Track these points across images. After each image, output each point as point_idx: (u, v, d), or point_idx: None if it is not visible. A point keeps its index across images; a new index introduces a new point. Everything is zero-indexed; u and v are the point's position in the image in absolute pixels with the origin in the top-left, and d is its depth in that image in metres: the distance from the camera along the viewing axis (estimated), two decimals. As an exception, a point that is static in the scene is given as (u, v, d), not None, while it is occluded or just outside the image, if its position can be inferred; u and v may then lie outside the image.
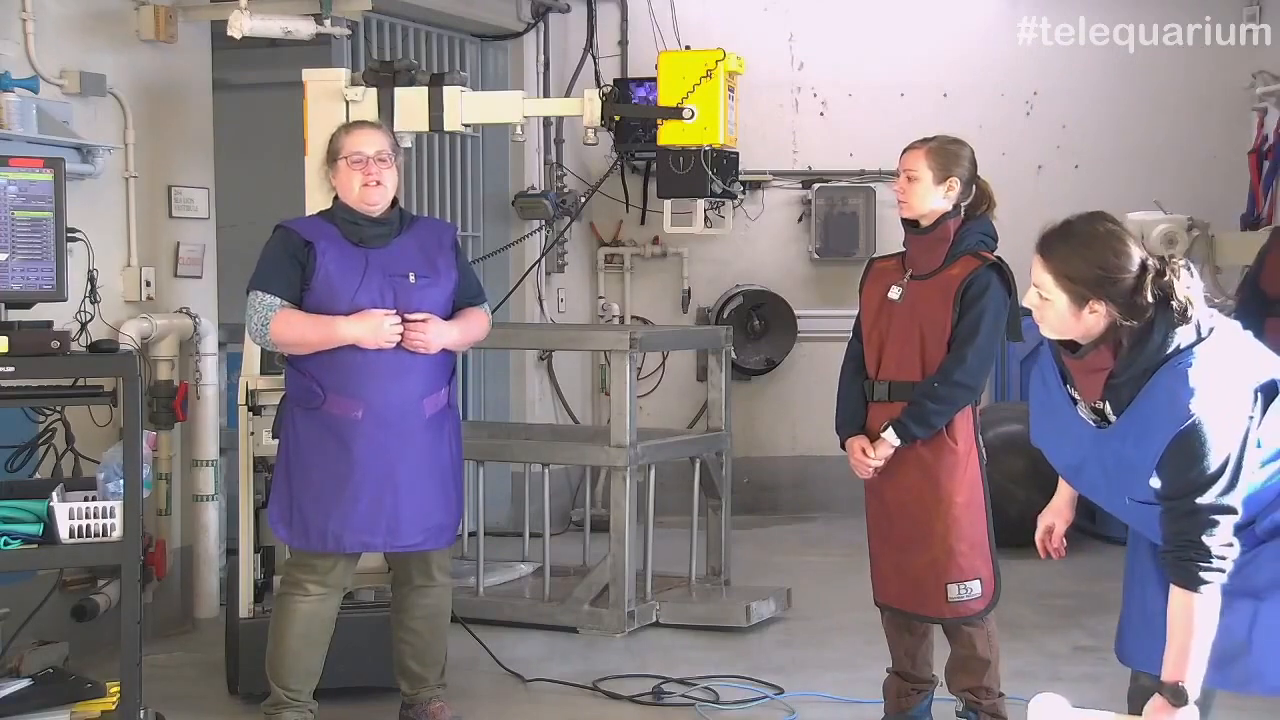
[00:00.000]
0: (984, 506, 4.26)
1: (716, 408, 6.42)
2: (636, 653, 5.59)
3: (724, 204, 5.81)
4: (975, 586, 4.22)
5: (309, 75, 5.18)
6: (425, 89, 5.15)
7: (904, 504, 4.27)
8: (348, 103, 5.09)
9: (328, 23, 5.61)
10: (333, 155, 4.45)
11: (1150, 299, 2.97)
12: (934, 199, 4.25)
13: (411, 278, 4.36)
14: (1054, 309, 3.05)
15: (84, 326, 4.28)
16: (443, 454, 4.45)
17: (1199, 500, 2.94)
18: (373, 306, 4.29)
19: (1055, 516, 3.58)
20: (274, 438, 4.56)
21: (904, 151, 4.32)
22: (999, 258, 4.26)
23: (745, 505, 7.98)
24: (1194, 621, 2.95)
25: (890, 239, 6.37)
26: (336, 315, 4.27)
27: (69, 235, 4.02)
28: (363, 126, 4.57)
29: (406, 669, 4.60)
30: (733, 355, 6.61)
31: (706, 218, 5.62)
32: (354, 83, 5.15)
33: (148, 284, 5.72)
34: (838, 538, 7.52)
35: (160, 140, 5.86)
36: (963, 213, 4.30)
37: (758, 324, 8.38)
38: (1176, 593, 2.97)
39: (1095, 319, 3.01)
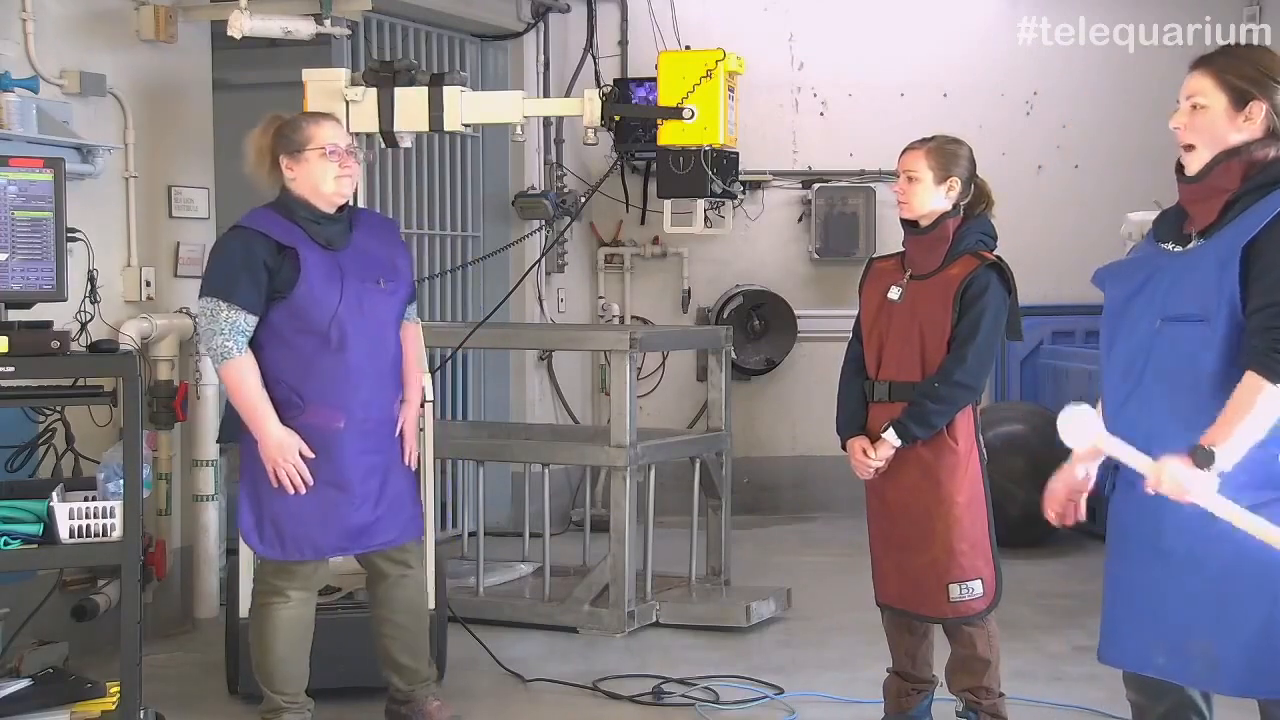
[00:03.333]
0: (985, 506, 4.26)
1: (716, 408, 6.41)
2: (636, 653, 5.59)
3: (724, 204, 5.80)
4: (977, 586, 4.22)
5: (309, 75, 5.17)
6: (425, 89, 5.13)
7: (905, 504, 4.27)
8: (348, 103, 5.08)
9: (328, 23, 5.62)
10: (297, 146, 4.25)
11: None
12: (934, 199, 4.25)
13: (380, 283, 4.31)
14: (1208, 116, 3.07)
15: (84, 326, 4.28)
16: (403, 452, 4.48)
17: None
18: (349, 320, 4.19)
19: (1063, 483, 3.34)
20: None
21: (903, 152, 4.31)
22: (998, 257, 4.26)
23: (745, 505, 7.99)
24: (1256, 404, 2.91)
25: (890, 239, 6.36)
26: (307, 335, 4.16)
27: (69, 235, 4.01)
28: (329, 118, 4.43)
29: (398, 663, 4.56)
30: (733, 355, 6.60)
31: (706, 218, 5.61)
32: (354, 83, 5.14)
33: (148, 284, 5.72)
34: (838, 538, 7.52)
35: (160, 140, 5.86)
36: (961, 212, 4.30)
37: (758, 324, 8.38)
38: (1249, 378, 2.93)
39: (1250, 126, 3.04)
